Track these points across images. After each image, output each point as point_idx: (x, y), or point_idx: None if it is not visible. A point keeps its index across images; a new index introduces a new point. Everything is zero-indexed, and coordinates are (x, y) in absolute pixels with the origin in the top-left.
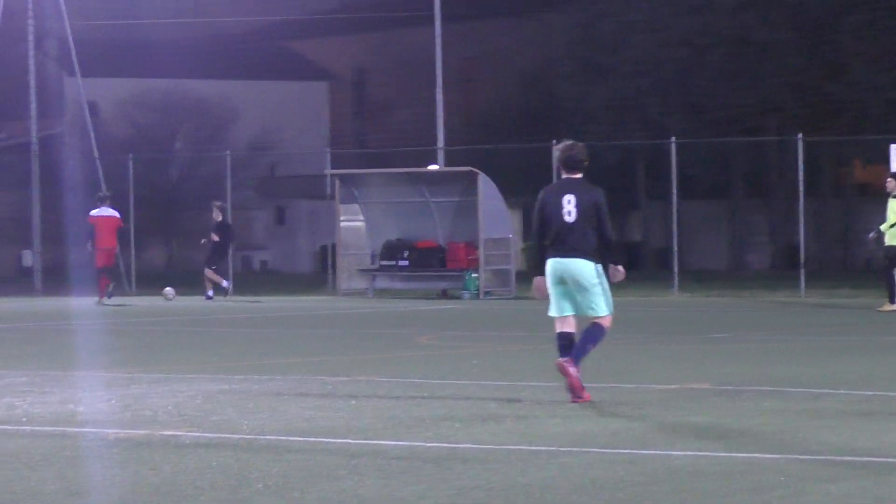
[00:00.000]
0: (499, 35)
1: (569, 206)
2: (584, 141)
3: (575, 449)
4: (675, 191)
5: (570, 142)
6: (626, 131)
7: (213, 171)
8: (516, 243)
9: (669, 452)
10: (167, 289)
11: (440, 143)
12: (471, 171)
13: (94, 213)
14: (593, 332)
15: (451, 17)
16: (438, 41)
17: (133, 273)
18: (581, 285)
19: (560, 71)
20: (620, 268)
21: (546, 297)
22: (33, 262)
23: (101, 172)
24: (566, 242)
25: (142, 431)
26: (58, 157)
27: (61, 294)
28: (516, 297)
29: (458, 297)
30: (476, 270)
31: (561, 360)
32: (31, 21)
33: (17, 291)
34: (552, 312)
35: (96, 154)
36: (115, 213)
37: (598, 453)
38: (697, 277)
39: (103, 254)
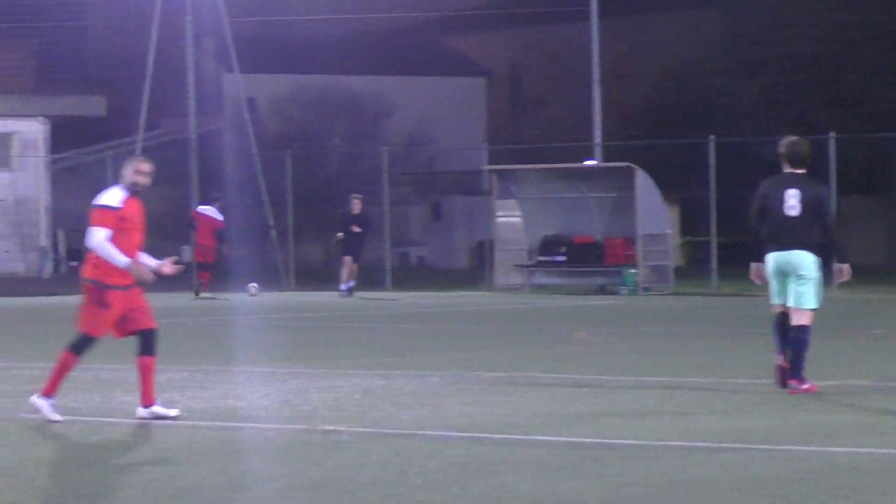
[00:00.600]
0: (653, 30)
1: (792, 201)
2: (739, 137)
3: (735, 445)
4: (833, 186)
5: (794, 137)
6: (780, 126)
7: (370, 166)
8: (674, 239)
9: (829, 449)
10: (251, 285)
11: (597, 138)
12: (628, 166)
13: (200, 209)
14: (800, 338)
15: (607, 12)
16: (595, 36)
17: (292, 269)
18: (800, 276)
19: (713, 66)
20: (846, 267)
21: (763, 283)
22: (191, 258)
23: (258, 168)
24: (788, 236)
25: (301, 426)
26: (216, 153)
27: (218, 290)
28: (674, 293)
29: (616, 293)
30: (634, 266)
31: (789, 380)
32: (189, 18)
33: (176, 287)
34: (773, 301)
35: (255, 150)
36: (219, 216)
37: (758, 450)
38: (855, 273)
39: (199, 250)
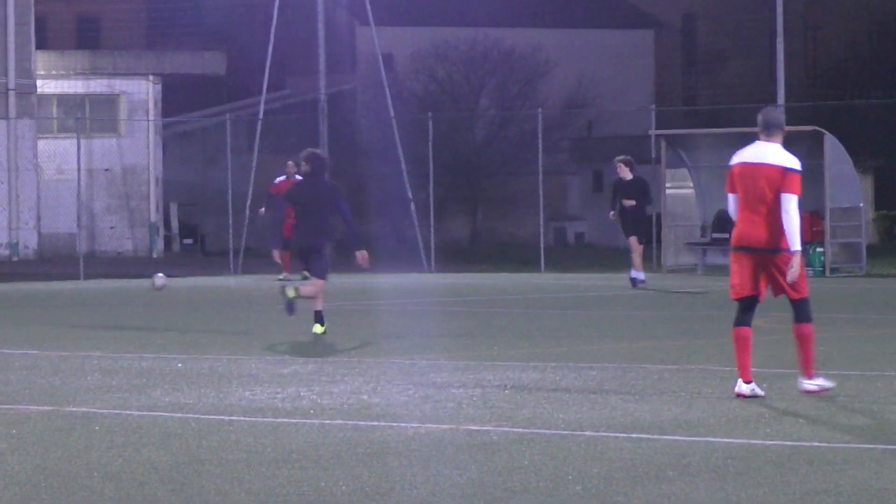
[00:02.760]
0: None
1: None
2: None
3: None
4: None
5: None
6: None
7: (523, 131)
8: (867, 213)
9: None
10: (158, 274)
11: (780, 99)
12: (816, 131)
13: (278, 180)
14: None
15: None
16: None
17: (432, 247)
18: None
19: None
20: None
21: None
22: None
23: (396, 133)
24: None
25: (445, 426)
26: (348, 116)
27: (352, 270)
28: (867, 275)
29: None
30: (821, 244)
31: None
32: None
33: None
34: None
35: (392, 112)
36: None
37: None
38: None
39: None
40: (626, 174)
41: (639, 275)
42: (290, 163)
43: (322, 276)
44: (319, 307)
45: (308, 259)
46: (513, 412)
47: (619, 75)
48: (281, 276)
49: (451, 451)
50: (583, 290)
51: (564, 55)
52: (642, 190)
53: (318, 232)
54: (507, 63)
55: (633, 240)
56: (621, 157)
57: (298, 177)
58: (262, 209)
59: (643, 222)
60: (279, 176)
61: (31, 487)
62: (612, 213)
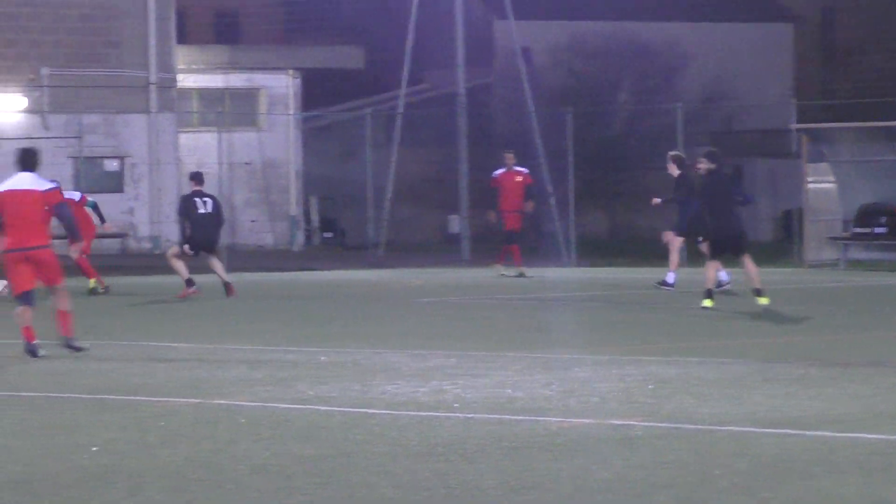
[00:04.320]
0: None
1: None
2: None
3: None
4: None
5: None
6: None
7: (661, 125)
8: None
9: None
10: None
11: None
12: None
13: (498, 173)
14: None
15: None
16: None
17: (572, 241)
18: None
19: None
20: None
21: None
22: (461, 229)
23: (535, 127)
24: None
25: (588, 420)
26: (486, 110)
27: (491, 264)
28: None
29: None
30: None
31: None
32: None
33: (444, 261)
34: None
35: (531, 107)
36: (523, 170)
37: None
38: None
39: (510, 216)
40: (674, 171)
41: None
42: (509, 154)
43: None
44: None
45: (739, 250)
46: (656, 407)
47: (758, 68)
48: (506, 271)
49: (595, 445)
50: (723, 283)
51: (703, 49)
52: (678, 185)
53: (739, 221)
54: (644, 57)
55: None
56: (674, 153)
57: (518, 168)
58: (491, 212)
59: (684, 218)
60: (499, 169)
61: (180, 479)
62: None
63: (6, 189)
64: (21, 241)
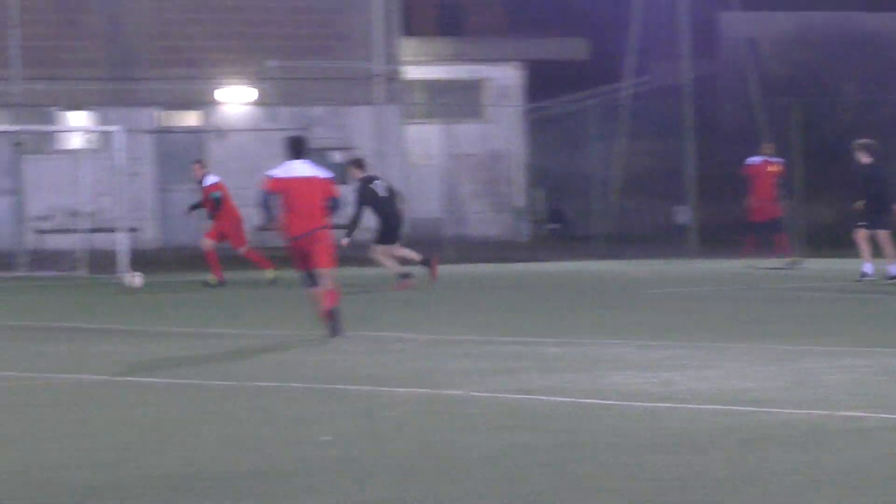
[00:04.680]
0: None
1: None
2: None
3: None
4: None
5: None
6: None
7: (890, 115)
8: None
9: None
10: (136, 275)
11: None
12: None
13: (754, 160)
14: None
15: None
16: None
17: (800, 233)
18: None
19: None
20: None
21: None
22: (687, 220)
23: (761, 119)
24: None
25: (819, 412)
26: (712, 101)
27: (719, 255)
28: None
29: None
30: None
31: None
32: None
33: (669, 252)
34: None
35: (757, 98)
36: (779, 160)
37: None
38: None
39: (762, 206)
40: (866, 159)
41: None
42: (767, 144)
43: None
44: None
45: None
46: (888, 398)
47: None
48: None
49: (827, 437)
50: None
51: None
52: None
53: None
54: (872, 47)
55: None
56: (861, 142)
57: (773, 158)
58: (749, 198)
59: (867, 209)
60: (753, 157)
61: (410, 469)
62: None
63: (290, 176)
64: (306, 226)
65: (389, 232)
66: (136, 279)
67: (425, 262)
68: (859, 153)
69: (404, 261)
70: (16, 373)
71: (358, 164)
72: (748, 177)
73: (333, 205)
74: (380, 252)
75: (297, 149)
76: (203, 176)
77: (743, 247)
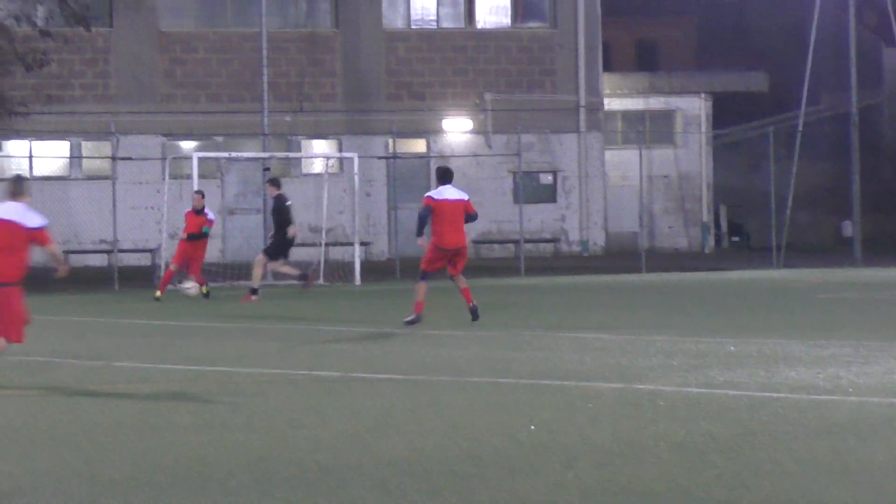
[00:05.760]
0: None
1: None
2: None
3: None
4: None
5: None
6: None
7: None
8: None
9: None
10: (191, 284)
11: None
12: None
13: None
14: None
15: None
16: None
17: None
18: None
19: None
20: None
21: None
22: (853, 233)
23: None
24: None
25: None
26: (876, 127)
27: (882, 265)
28: None
29: None
30: None
31: None
32: None
33: (837, 262)
34: None
35: None
36: None
37: None
38: None
39: None
40: None
41: None
42: None
43: None
44: None
45: None
46: None
47: None
48: None
49: None
50: None
51: None
52: None
53: None
54: None
55: None
56: None
57: None
58: None
59: None
60: None
61: (606, 455)
62: None
63: (443, 198)
64: (453, 242)
65: (284, 248)
66: (192, 289)
67: (302, 277)
68: None
69: (283, 275)
70: (264, 369)
71: (274, 182)
72: None
73: (472, 220)
74: (262, 262)
75: (446, 176)
76: (203, 206)
77: None
